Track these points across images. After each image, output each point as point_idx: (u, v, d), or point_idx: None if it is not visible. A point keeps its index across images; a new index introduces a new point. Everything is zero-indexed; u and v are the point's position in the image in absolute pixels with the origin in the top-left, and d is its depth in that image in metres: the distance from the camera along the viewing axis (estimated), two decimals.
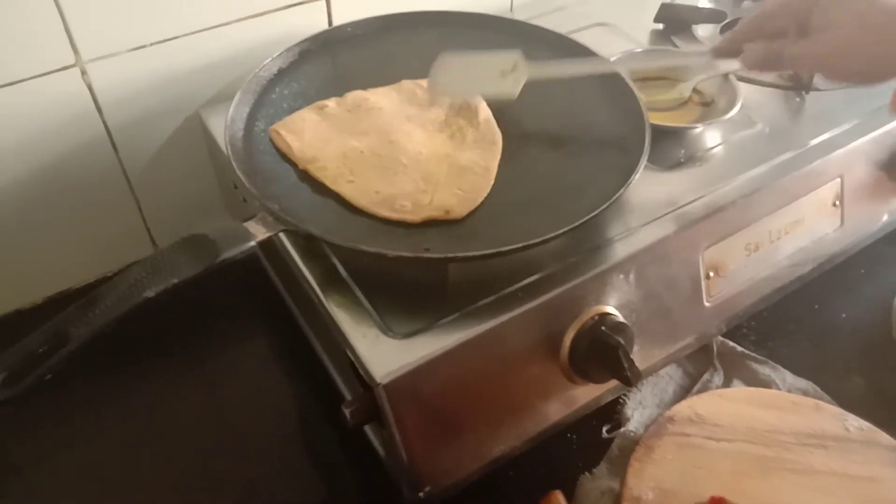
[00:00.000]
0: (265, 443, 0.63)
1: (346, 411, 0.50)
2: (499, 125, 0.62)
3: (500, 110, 0.63)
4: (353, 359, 0.50)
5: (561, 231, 0.51)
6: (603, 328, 0.53)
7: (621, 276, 0.56)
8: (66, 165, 0.68)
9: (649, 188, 0.60)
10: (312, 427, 0.65)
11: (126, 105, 0.68)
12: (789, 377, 0.67)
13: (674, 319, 0.62)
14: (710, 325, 0.65)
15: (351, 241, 0.51)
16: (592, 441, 0.63)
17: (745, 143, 0.67)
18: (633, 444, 0.61)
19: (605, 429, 0.64)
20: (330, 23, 0.75)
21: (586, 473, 0.61)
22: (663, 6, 0.82)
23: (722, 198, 0.61)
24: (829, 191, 0.67)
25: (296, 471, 0.62)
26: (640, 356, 0.58)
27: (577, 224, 0.52)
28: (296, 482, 0.61)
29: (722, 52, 0.57)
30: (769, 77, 0.74)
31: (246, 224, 0.51)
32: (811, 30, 0.50)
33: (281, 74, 0.67)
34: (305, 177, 0.58)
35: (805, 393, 0.66)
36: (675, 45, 0.80)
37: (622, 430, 0.63)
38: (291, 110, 0.63)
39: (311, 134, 0.60)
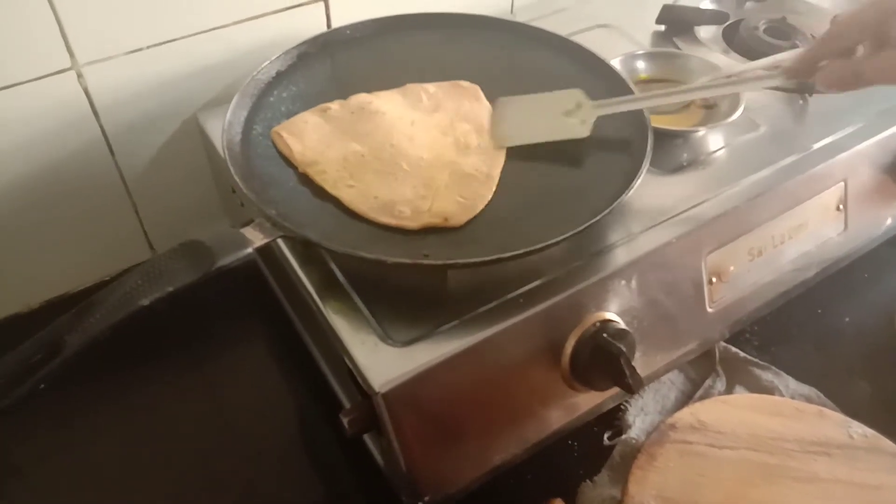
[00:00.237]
0: (264, 445, 0.63)
1: (345, 420, 0.49)
2: None
3: None
4: (351, 366, 0.50)
5: (562, 237, 0.51)
6: (605, 335, 0.53)
7: (623, 281, 0.55)
8: (62, 169, 0.68)
9: (651, 192, 0.60)
10: (312, 429, 0.65)
11: (123, 108, 0.68)
12: (792, 383, 0.67)
13: (676, 325, 0.61)
14: (712, 331, 0.64)
15: (349, 247, 0.50)
16: (593, 448, 0.62)
17: (748, 146, 0.66)
18: (634, 451, 0.60)
19: (606, 435, 0.63)
20: (329, 25, 0.75)
21: (587, 481, 0.60)
22: (665, 7, 0.82)
23: (725, 202, 0.60)
24: (832, 195, 0.66)
25: (295, 473, 0.62)
26: (642, 363, 0.58)
27: (578, 230, 0.51)
28: (295, 484, 0.61)
29: (797, 73, 0.55)
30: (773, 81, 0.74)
31: (243, 230, 0.50)
32: (890, 42, 0.48)
33: (279, 77, 0.66)
34: (305, 181, 0.57)
35: (808, 399, 0.65)
36: (677, 47, 0.79)
37: (624, 436, 0.62)
38: (290, 114, 0.63)
39: (312, 137, 0.59)
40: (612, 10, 0.84)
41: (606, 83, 0.66)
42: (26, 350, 0.42)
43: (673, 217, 0.59)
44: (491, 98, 0.64)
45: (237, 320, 0.73)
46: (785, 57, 0.56)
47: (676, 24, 0.82)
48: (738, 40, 0.81)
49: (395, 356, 0.49)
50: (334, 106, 0.62)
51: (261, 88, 0.65)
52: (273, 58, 0.66)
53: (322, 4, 0.73)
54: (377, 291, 0.53)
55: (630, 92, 0.63)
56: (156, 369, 0.67)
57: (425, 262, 0.50)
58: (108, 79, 0.65)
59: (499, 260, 0.50)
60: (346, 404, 0.58)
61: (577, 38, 0.71)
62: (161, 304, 0.44)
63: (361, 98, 0.63)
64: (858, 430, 0.60)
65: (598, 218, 0.52)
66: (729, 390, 0.67)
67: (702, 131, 0.67)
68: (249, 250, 0.49)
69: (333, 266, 0.54)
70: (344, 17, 0.74)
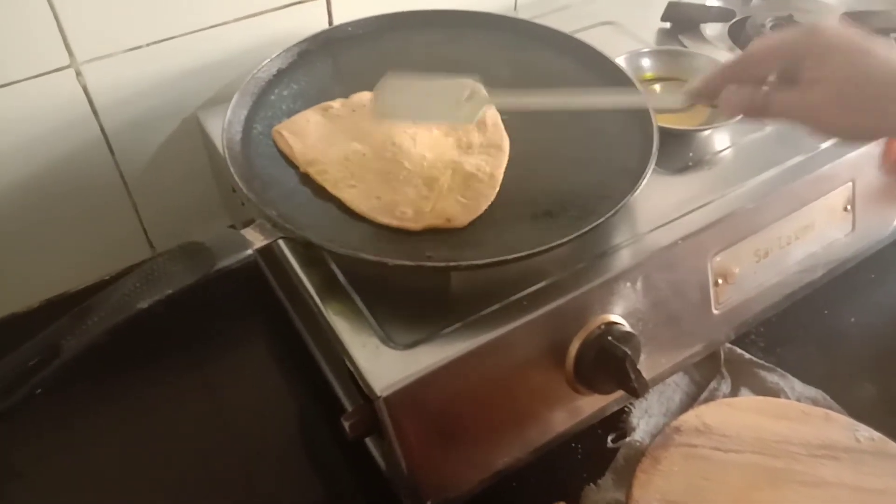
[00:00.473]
0: (265, 446, 0.63)
1: (346, 424, 0.49)
2: (506, 129, 0.61)
3: (507, 114, 0.62)
4: (352, 369, 0.49)
5: (566, 239, 0.50)
6: (609, 338, 0.52)
7: (628, 283, 0.55)
8: (61, 168, 0.67)
9: (656, 193, 0.59)
10: (313, 430, 0.65)
11: (122, 107, 0.67)
12: (798, 385, 0.66)
13: (681, 327, 0.60)
14: (718, 333, 0.64)
15: (351, 248, 0.50)
16: (597, 450, 0.62)
17: (754, 146, 0.66)
18: (638, 453, 0.60)
19: (610, 438, 0.63)
20: (330, 22, 0.74)
21: (591, 485, 0.59)
22: (671, 4, 0.81)
23: (731, 203, 0.60)
24: (840, 195, 0.66)
25: (296, 474, 0.62)
26: (647, 365, 0.57)
27: (583, 231, 0.51)
28: (296, 486, 0.61)
29: (697, 95, 0.52)
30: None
31: (243, 231, 0.50)
32: (802, 79, 0.46)
33: (280, 75, 0.66)
34: (306, 181, 0.57)
35: (814, 402, 0.65)
36: (683, 45, 0.78)
37: (628, 439, 0.62)
38: (291, 112, 0.62)
39: (313, 136, 0.59)
40: (616, 8, 0.83)
41: (611, 81, 0.65)
42: (23, 354, 0.41)
43: (678, 218, 0.58)
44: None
45: (238, 321, 0.72)
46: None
47: (682, 22, 0.81)
48: (745, 38, 0.80)
49: (397, 359, 0.48)
50: (336, 104, 0.61)
51: (261, 87, 0.64)
52: (274, 55, 0.66)
53: (323, 1, 0.72)
54: (379, 293, 0.52)
55: (637, 91, 0.62)
56: (156, 370, 0.67)
57: (427, 263, 0.50)
58: (108, 77, 0.65)
59: (502, 262, 0.49)
60: (348, 406, 0.58)
61: (581, 36, 0.70)
62: (160, 307, 0.44)
63: (363, 96, 0.62)
64: (865, 433, 0.60)
65: (603, 219, 0.51)
66: (734, 392, 0.66)
67: (708, 131, 0.66)
68: (249, 252, 0.48)
69: (335, 267, 0.54)
70: (345, 13, 0.73)
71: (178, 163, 0.73)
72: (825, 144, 0.65)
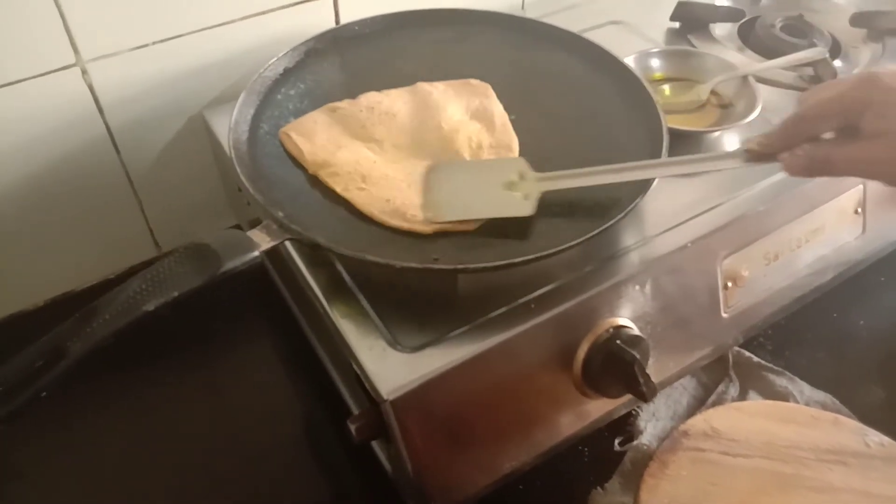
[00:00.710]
0: (270, 448, 0.63)
1: (352, 427, 0.48)
2: (514, 130, 0.60)
3: (515, 114, 0.61)
4: (359, 372, 0.49)
5: (575, 241, 0.50)
6: (618, 342, 0.52)
7: (637, 287, 0.54)
8: (67, 167, 0.67)
9: (666, 195, 0.58)
10: (318, 432, 0.64)
11: (128, 105, 0.67)
12: (807, 389, 0.65)
13: (690, 331, 0.60)
14: (727, 337, 0.63)
15: (358, 250, 0.49)
16: (604, 454, 0.61)
17: None
18: (646, 457, 0.59)
19: (617, 441, 0.62)
20: (337, 21, 0.74)
21: (598, 488, 0.59)
22: (680, 4, 0.80)
23: (741, 205, 0.59)
24: (851, 198, 0.65)
25: (301, 476, 0.61)
26: (655, 369, 0.57)
27: (592, 234, 0.50)
28: (301, 487, 0.60)
29: (758, 157, 0.50)
30: (788, 78, 0.72)
31: (250, 233, 0.49)
32: (864, 133, 0.44)
33: (287, 74, 0.65)
34: (313, 181, 0.56)
35: (823, 406, 0.64)
36: (692, 45, 0.78)
37: (635, 443, 0.61)
38: (297, 112, 0.62)
39: (322, 137, 0.58)
40: (624, 7, 0.83)
41: (620, 82, 0.65)
42: (28, 356, 0.41)
43: (688, 221, 0.58)
44: (501, 97, 0.63)
45: (243, 321, 0.72)
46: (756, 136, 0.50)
47: (691, 21, 0.80)
48: (754, 38, 0.79)
49: (404, 362, 0.48)
50: (343, 105, 0.61)
51: (268, 86, 0.64)
52: (280, 54, 0.65)
53: (330, 0, 0.72)
54: (386, 295, 0.52)
55: (645, 91, 0.62)
56: (161, 371, 0.67)
57: (435, 266, 0.49)
58: (114, 75, 0.65)
59: (510, 265, 0.49)
60: (354, 409, 0.57)
61: (589, 35, 0.70)
62: (166, 310, 0.43)
63: (371, 97, 0.61)
64: (875, 438, 0.59)
65: (612, 222, 0.51)
66: (742, 396, 0.65)
67: (717, 132, 0.65)
68: (256, 254, 0.48)
69: (341, 269, 0.54)
70: (353, 12, 0.73)
71: (183, 161, 0.73)
72: None
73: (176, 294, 0.43)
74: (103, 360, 0.43)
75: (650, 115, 0.60)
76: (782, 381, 0.66)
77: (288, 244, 0.54)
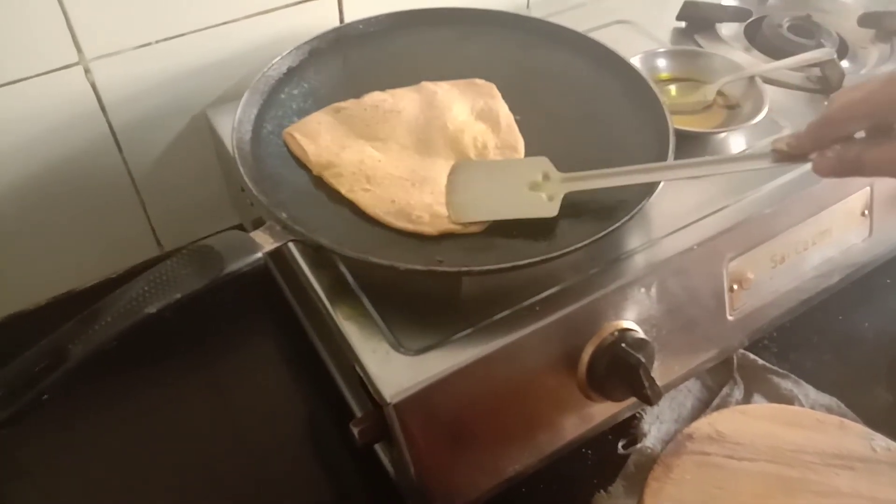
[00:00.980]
0: (273, 450, 0.62)
1: (355, 430, 0.48)
2: (520, 130, 0.60)
3: (520, 114, 0.61)
4: (362, 375, 0.48)
5: (580, 244, 0.49)
6: (623, 345, 0.51)
7: (642, 289, 0.54)
8: (69, 166, 0.67)
9: (671, 196, 0.58)
10: (321, 434, 0.64)
11: (131, 104, 0.67)
12: (812, 392, 0.65)
13: (695, 334, 0.60)
14: (732, 339, 0.63)
15: (361, 252, 0.49)
16: (608, 456, 0.61)
17: None
18: (649, 460, 0.59)
19: (620, 444, 0.62)
20: (341, 20, 0.73)
21: (601, 491, 0.59)
22: (686, 4, 0.80)
23: (747, 207, 0.59)
24: (858, 200, 0.65)
25: (304, 478, 0.61)
26: (660, 371, 0.56)
27: (597, 236, 0.50)
28: (303, 489, 0.60)
29: (787, 158, 0.49)
30: (795, 79, 0.72)
31: (253, 234, 0.49)
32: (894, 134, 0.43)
33: (290, 73, 0.65)
34: (317, 182, 0.56)
35: (829, 409, 0.64)
36: (699, 45, 0.77)
37: (639, 445, 0.61)
38: (301, 111, 0.61)
39: (326, 138, 0.58)
40: (630, 6, 0.82)
41: (626, 82, 0.64)
42: (29, 359, 0.41)
43: (694, 223, 0.57)
44: (506, 97, 0.62)
45: (246, 323, 0.72)
46: (777, 137, 0.49)
47: (697, 21, 0.80)
48: (761, 38, 0.79)
49: (408, 365, 0.48)
50: (348, 105, 0.61)
51: (271, 85, 0.63)
52: (284, 53, 0.65)
53: None
54: (390, 297, 0.52)
55: (651, 92, 0.61)
56: (164, 371, 0.67)
57: (439, 268, 0.49)
58: (117, 74, 0.64)
59: (515, 267, 0.48)
60: (357, 411, 0.57)
61: (595, 35, 0.69)
62: (168, 312, 0.43)
63: (375, 97, 0.61)
64: (882, 443, 0.59)
65: (618, 224, 0.50)
66: (747, 399, 0.65)
67: (724, 133, 0.65)
68: (259, 255, 0.47)
69: (345, 271, 0.53)
70: (357, 11, 0.72)
71: (186, 160, 0.73)
72: None
73: (178, 296, 0.43)
74: (106, 361, 0.43)
75: (656, 116, 0.60)
76: (787, 384, 0.66)
77: (291, 245, 0.54)
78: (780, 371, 0.66)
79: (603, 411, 0.57)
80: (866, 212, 0.66)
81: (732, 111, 0.67)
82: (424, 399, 0.47)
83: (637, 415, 0.63)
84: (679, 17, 0.80)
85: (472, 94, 0.62)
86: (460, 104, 0.61)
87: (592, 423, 0.57)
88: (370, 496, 0.60)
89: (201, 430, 0.64)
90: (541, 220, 0.52)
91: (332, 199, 0.55)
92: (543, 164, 0.54)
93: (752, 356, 0.67)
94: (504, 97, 0.62)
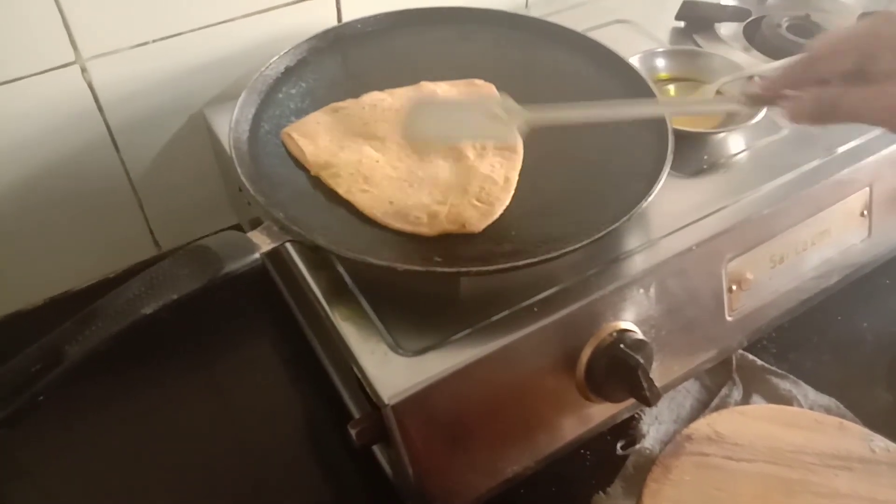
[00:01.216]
0: (271, 451, 0.62)
1: (353, 432, 0.48)
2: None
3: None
4: (360, 376, 0.48)
5: (579, 244, 0.49)
6: (622, 346, 0.51)
7: (641, 290, 0.54)
8: (66, 165, 0.67)
9: (670, 196, 0.58)
10: (319, 435, 0.64)
11: (128, 103, 0.66)
12: (811, 393, 0.65)
13: (694, 335, 0.59)
14: (731, 340, 0.63)
15: (359, 252, 0.49)
16: (606, 457, 0.61)
17: (770, 149, 0.65)
18: (648, 461, 0.59)
19: (619, 445, 0.62)
20: (339, 19, 0.73)
21: (600, 493, 0.59)
22: (685, 3, 0.80)
23: (746, 207, 0.59)
24: (857, 200, 0.65)
25: (302, 479, 0.61)
26: (659, 372, 0.56)
27: (596, 237, 0.50)
28: (302, 491, 0.60)
29: (759, 100, 0.48)
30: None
31: (250, 234, 0.49)
32: (878, 75, 0.41)
33: (288, 73, 0.65)
34: (315, 182, 0.56)
35: (828, 410, 0.64)
36: (697, 44, 0.77)
37: (637, 446, 0.61)
38: (299, 111, 0.61)
39: (324, 138, 0.58)
40: (629, 6, 0.82)
41: (625, 82, 0.64)
42: (25, 360, 0.40)
43: (692, 223, 0.57)
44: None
45: (244, 324, 0.71)
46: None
47: (696, 21, 0.80)
48: (760, 38, 0.78)
49: (406, 366, 0.47)
50: (346, 105, 0.60)
51: (269, 84, 0.63)
52: (282, 52, 0.65)
53: None
54: (388, 298, 0.51)
55: (651, 92, 0.61)
56: (162, 371, 0.67)
57: (437, 269, 0.49)
58: (113, 73, 0.64)
59: (513, 268, 0.48)
60: (355, 412, 0.57)
61: (594, 35, 0.69)
62: (165, 313, 0.43)
63: (374, 96, 0.61)
64: (881, 443, 0.58)
65: (616, 225, 0.50)
66: (746, 399, 0.65)
67: (723, 133, 0.65)
68: (256, 256, 0.47)
69: (343, 271, 0.53)
70: (355, 10, 0.72)
71: (184, 160, 0.73)
72: (842, 148, 0.64)
73: (175, 297, 0.43)
74: (105, 361, 0.43)
75: (656, 117, 0.59)
76: (786, 385, 0.65)
77: (289, 246, 0.53)
78: (779, 372, 0.66)
79: (601, 412, 0.57)
80: (865, 212, 0.66)
81: (736, 113, 0.67)
82: (423, 400, 0.47)
83: (636, 416, 0.63)
84: (678, 17, 0.80)
85: (470, 95, 0.62)
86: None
87: (591, 424, 0.57)
88: (369, 497, 0.60)
89: (200, 431, 0.64)
90: (539, 221, 0.52)
91: (329, 200, 0.54)
92: (506, 100, 0.54)
93: (750, 357, 0.67)
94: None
